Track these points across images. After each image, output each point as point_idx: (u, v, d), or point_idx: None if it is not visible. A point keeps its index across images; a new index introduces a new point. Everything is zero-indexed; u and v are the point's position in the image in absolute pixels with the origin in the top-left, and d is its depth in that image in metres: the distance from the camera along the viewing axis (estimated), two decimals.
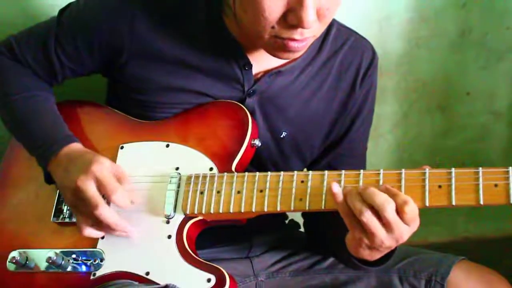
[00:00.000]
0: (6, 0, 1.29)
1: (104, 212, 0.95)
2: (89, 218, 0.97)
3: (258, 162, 1.09)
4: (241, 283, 1.13)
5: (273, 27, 0.91)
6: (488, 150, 1.76)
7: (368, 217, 0.83)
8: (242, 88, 1.07)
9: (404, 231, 0.85)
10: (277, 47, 0.95)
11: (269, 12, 0.88)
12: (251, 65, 1.05)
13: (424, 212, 1.90)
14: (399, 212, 0.83)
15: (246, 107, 1.06)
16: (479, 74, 1.66)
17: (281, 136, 1.11)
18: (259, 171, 1.00)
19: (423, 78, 1.63)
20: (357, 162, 1.19)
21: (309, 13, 0.86)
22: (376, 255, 0.90)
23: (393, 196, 0.83)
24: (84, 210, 0.97)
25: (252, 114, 1.07)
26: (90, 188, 0.95)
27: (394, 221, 0.84)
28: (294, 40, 0.91)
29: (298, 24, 0.88)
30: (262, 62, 1.06)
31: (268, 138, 1.11)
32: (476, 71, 1.66)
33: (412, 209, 0.83)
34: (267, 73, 1.07)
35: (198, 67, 1.06)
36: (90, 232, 0.99)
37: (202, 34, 1.05)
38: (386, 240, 0.85)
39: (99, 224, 0.97)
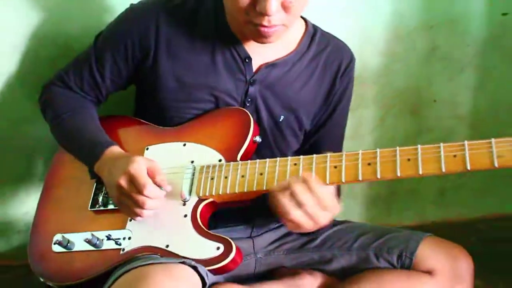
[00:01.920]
0: (49, 22, 1.29)
1: (151, 205, 0.96)
2: (133, 208, 0.97)
3: (264, 142, 1.10)
4: (243, 259, 1.10)
5: (247, 14, 0.95)
6: None
7: (296, 215, 0.88)
8: (245, 78, 1.09)
9: (325, 218, 0.90)
10: (252, 32, 0.99)
11: (240, 4, 0.93)
12: (251, 58, 1.08)
13: (398, 200, 1.91)
14: (319, 203, 0.87)
15: (249, 96, 1.09)
16: (445, 84, 1.66)
17: (280, 120, 1.13)
18: (265, 149, 1.04)
19: (397, 87, 1.63)
20: (336, 143, 1.22)
21: (271, 4, 0.90)
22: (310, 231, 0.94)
23: (311, 186, 0.87)
24: (129, 203, 0.97)
25: (255, 101, 1.10)
26: (131, 187, 0.95)
27: (314, 214, 0.88)
28: (263, 26, 0.95)
29: (263, 12, 0.91)
30: (259, 56, 1.09)
31: (270, 122, 1.13)
32: (442, 82, 1.66)
33: (326, 197, 0.88)
34: (264, 65, 1.09)
35: (209, 63, 1.08)
36: (137, 218, 0.99)
37: (212, 35, 1.08)
38: (311, 226, 0.90)
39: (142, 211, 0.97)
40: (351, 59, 1.17)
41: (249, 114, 1.07)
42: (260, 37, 0.98)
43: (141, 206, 0.96)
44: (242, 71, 1.08)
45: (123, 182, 0.95)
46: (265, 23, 0.94)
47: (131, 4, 1.11)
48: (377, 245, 1.13)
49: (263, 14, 0.92)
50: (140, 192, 0.95)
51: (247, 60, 1.08)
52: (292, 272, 1.16)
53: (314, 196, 0.87)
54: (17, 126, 1.36)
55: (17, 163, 1.39)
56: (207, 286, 0.92)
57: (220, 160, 1.02)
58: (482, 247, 1.59)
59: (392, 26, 1.54)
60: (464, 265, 1.09)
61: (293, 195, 0.88)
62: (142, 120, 1.16)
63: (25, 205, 1.40)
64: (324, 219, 0.90)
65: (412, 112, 1.67)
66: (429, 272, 1.08)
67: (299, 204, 0.87)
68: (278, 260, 1.19)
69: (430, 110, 1.68)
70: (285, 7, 0.93)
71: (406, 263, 1.10)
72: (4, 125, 1.36)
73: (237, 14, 0.97)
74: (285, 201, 0.88)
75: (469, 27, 1.60)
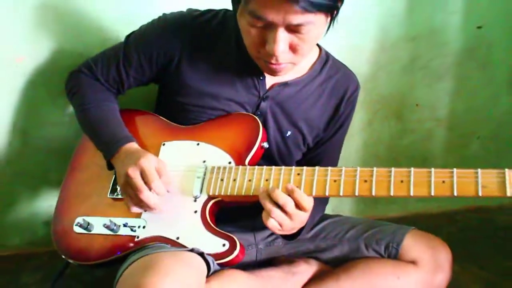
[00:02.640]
0: (68, 34, 1.29)
1: (147, 195, 0.96)
2: (134, 198, 0.98)
3: (269, 153, 1.10)
4: (246, 250, 1.10)
5: (258, 52, 0.95)
6: (432, 147, 1.75)
7: (276, 214, 0.89)
8: (258, 94, 1.08)
9: (303, 217, 0.91)
10: (262, 66, 0.99)
11: (252, 41, 0.93)
12: (265, 76, 1.07)
13: None
14: (299, 206, 0.89)
15: (260, 109, 1.08)
16: (425, 90, 1.67)
17: (287, 135, 1.12)
18: (269, 161, 1.02)
19: (383, 93, 1.63)
20: (332, 159, 1.20)
21: (278, 47, 0.89)
22: (288, 232, 0.95)
23: (296, 196, 0.88)
24: (131, 193, 0.98)
25: (265, 115, 1.09)
26: (137, 177, 0.96)
27: (293, 213, 0.89)
28: (271, 63, 0.95)
29: (271, 52, 0.91)
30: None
31: (277, 136, 1.11)
32: (423, 88, 1.66)
33: (307, 203, 0.90)
34: (277, 84, 1.08)
35: (227, 77, 1.08)
36: (134, 209, 1.01)
37: (232, 52, 1.07)
38: (290, 225, 0.91)
39: (141, 204, 0.98)
40: (357, 88, 1.15)
41: (259, 120, 1.06)
42: (269, 71, 0.98)
43: (141, 197, 0.95)
44: (256, 87, 1.08)
45: (131, 171, 0.96)
46: (273, 61, 0.93)
47: (164, 14, 1.10)
48: (366, 236, 1.14)
49: (271, 54, 0.91)
50: (147, 183, 0.95)
51: (261, 78, 1.07)
52: (289, 260, 1.16)
53: (293, 197, 0.89)
54: (43, 128, 1.36)
55: (43, 162, 1.38)
56: (211, 271, 0.93)
57: (229, 162, 1.02)
58: (459, 235, 1.60)
59: (378, 38, 1.56)
60: (444, 256, 1.09)
61: (275, 198, 0.89)
62: (160, 117, 1.15)
63: (49, 199, 1.40)
64: (301, 217, 0.91)
65: (396, 115, 1.68)
66: (413, 262, 1.08)
67: (280, 205, 0.89)
68: (277, 250, 1.19)
69: (412, 113, 1.69)
70: (293, 49, 0.92)
71: (393, 253, 1.11)
72: (31, 127, 1.36)
73: (249, 50, 0.97)
74: (267, 203, 0.90)
75: (447, 39, 1.62)
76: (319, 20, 0.90)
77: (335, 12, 0.92)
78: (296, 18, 0.86)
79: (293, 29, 0.89)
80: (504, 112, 1.78)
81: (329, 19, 0.93)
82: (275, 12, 0.85)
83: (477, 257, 1.45)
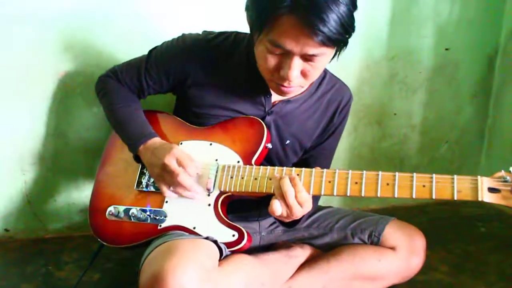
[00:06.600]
0: (102, 52, 1.29)
1: (185, 178, 0.93)
2: (171, 183, 0.95)
3: (269, 158, 1.06)
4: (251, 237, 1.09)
5: (272, 75, 0.91)
6: (407, 150, 1.74)
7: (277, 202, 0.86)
8: (264, 109, 1.04)
9: (298, 211, 0.87)
10: (274, 88, 0.95)
11: (267, 66, 0.89)
12: (271, 94, 1.03)
13: None
14: (296, 197, 0.85)
15: (265, 122, 1.03)
16: (402, 102, 1.67)
17: (286, 143, 1.08)
18: (270, 164, 0.98)
19: (367, 103, 1.63)
20: (326, 160, 1.16)
21: (292, 73, 0.86)
22: (286, 220, 0.92)
23: (294, 185, 0.85)
24: (168, 179, 0.95)
25: (269, 127, 1.04)
26: (173, 163, 0.93)
27: (292, 205, 0.85)
28: (283, 86, 0.91)
29: (285, 77, 0.87)
30: None
31: (278, 144, 1.07)
32: (400, 100, 1.67)
33: (303, 196, 0.85)
34: (281, 101, 1.04)
35: (237, 93, 1.03)
36: (169, 193, 0.97)
37: (242, 73, 1.02)
38: (287, 215, 0.87)
39: (178, 186, 0.94)
40: (349, 99, 1.11)
41: (264, 124, 1.01)
42: (280, 92, 0.95)
43: (179, 180, 0.93)
44: (263, 103, 1.03)
45: (167, 160, 0.93)
46: (285, 84, 0.90)
47: (183, 34, 1.06)
48: (353, 226, 1.12)
49: (285, 78, 0.88)
50: (184, 168, 0.93)
51: (267, 96, 1.03)
52: (287, 245, 1.14)
53: (295, 191, 0.85)
54: (79, 131, 1.35)
55: (79, 159, 1.37)
56: (223, 255, 0.91)
57: (238, 162, 0.98)
58: (430, 224, 1.59)
59: (363, 58, 1.56)
60: (419, 242, 1.08)
61: (280, 185, 0.86)
62: (178, 118, 1.10)
63: (84, 191, 1.38)
64: (298, 212, 0.87)
65: (377, 122, 1.67)
66: (392, 248, 1.07)
67: (282, 194, 0.85)
68: (277, 237, 1.16)
69: (391, 121, 1.68)
70: (304, 74, 0.89)
71: (375, 241, 1.09)
72: (70, 130, 1.35)
73: (263, 73, 0.93)
74: (273, 188, 0.87)
75: (420, 59, 1.65)
76: (330, 51, 0.87)
77: (344, 46, 0.88)
78: (312, 50, 0.83)
79: (307, 58, 0.86)
80: (467, 120, 1.80)
81: (335, 50, 0.89)
82: (295, 43, 0.82)
83: (444, 242, 1.44)
